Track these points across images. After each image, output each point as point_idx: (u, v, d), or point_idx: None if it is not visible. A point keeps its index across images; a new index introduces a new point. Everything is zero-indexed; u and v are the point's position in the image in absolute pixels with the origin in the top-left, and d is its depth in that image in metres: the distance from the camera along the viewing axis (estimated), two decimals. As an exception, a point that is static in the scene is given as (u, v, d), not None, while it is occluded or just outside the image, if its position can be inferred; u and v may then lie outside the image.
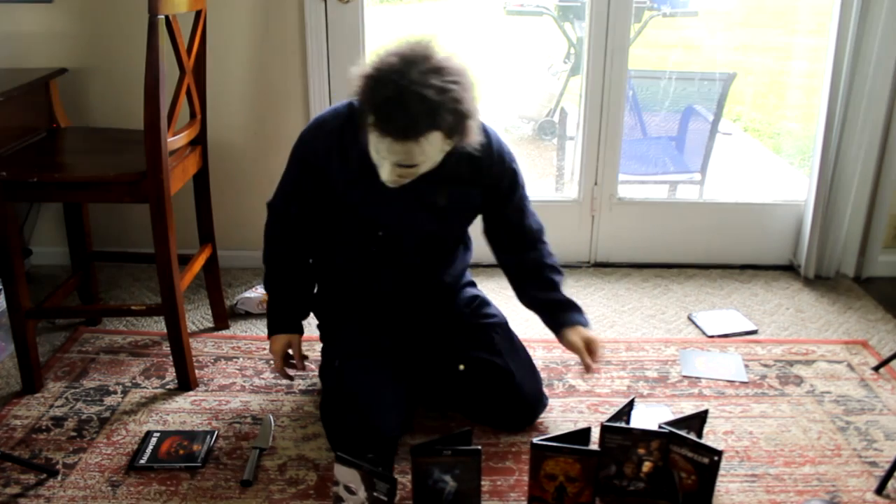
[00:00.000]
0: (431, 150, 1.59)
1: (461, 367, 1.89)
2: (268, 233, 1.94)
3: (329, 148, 1.77)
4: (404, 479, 1.72)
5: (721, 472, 1.72)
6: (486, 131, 1.79)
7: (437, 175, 1.70)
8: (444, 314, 1.95)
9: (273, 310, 1.95)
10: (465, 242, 2.02)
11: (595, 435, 1.73)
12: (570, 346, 1.89)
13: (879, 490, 1.74)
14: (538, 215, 1.98)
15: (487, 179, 1.82)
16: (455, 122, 1.56)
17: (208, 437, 1.89)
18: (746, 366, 2.23)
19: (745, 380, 2.16)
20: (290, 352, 1.95)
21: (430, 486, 1.62)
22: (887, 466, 1.76)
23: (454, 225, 1.91)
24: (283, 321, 1.94)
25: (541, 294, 1.95)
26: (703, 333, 2.42)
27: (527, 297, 1.98)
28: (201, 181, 2.31)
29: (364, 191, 1.78)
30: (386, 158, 1.61)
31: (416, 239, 1.86)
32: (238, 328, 2.44)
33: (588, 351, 1.87)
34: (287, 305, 1.94)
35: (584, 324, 1.91)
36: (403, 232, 1.84)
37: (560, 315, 1.92)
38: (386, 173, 1.64)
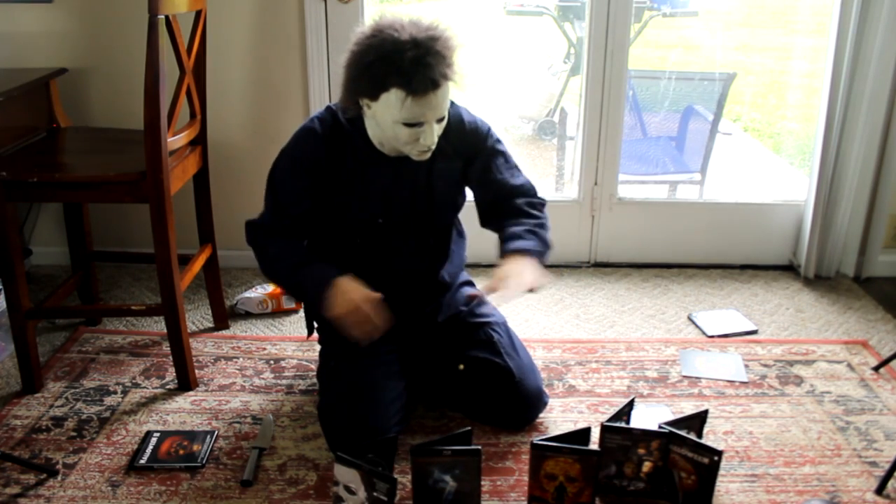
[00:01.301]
0: (448, 93, 1.69)
1: (461, 366, 1.90)
2: (257, 243, 1.89)
3: (319, 153, 1.80)
4: (404, 479, 1.72)
5: (721, 472, 1.72)
6: (451, 102, 1.83)
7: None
8: (443, 314, 1.95)
9: (314, 282, 1.77)
10: (459, 229, 2.03)
11: (595, 435, 1.73)
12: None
13: (879, 490, 1.74)
14: (526, 177, 1.96)
15: (464, 147, 1.87)
16: (456, 56, 1.67)
17: (208, 437, 1.89)
18: (746, 366, 2.23)
19: (745, 380, 2.16)
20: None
21: (430, 486, 1.62)
22: (887, 466, 1.76)
23: (446, 202, 1.91)
24: (331, 276, 1.77)
25: (504, 221, 1.89)
26: (703, 333, 2.42)
27: (491, 224, 1.95)
28: (201, 181, 2.31)
29: (360, 184, 1.81)
30: (426, 120, 1.66)
31: (412, 220, 1.87)
32: (238, 328, 2.44)
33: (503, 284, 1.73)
34: (324, 266, 1.81)
35: (524, 249, 1.79)
36: (401, 217, 1.86)
37: (508, 242, 1.84)
38: (429, 136, 1.68)
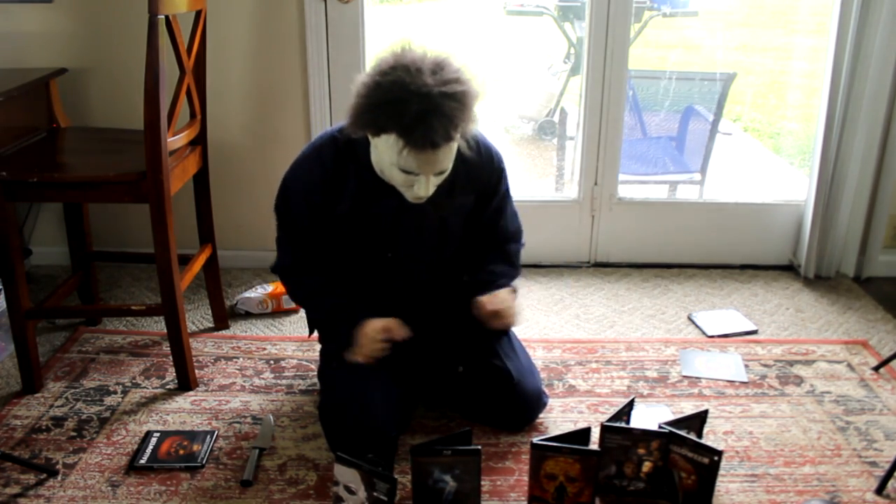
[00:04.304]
0: (453, 149, 1.62)
1: (460, 368, 1.90)
2: (293, 290, 1.91)
3: (324, 182, 1.76)
4: (404, 479, 1.72)
5: (721, 472, 1.72)
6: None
7: (438, 186, 1.70)
8: (444, 317, 1.95)
9: (341, 321, 1.81)
10: None
11: (595, 435, 1.73)
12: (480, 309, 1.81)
13: (879, 490, 1.74)
14: (519, 217, 1.97)
15: (478, 183, 1.83)
16: (468, 116, 1.58)
17: (208, 437, 1.89)
18: (746, 366, 2.23)
19: (745, 380, 2.16)
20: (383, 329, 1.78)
21: (430, 486, 1.62)
22: (887, 466, 1.76)
23: (454, 233, 1.89)
24: (356, 317, 1.80)
25: (476, 269, 1.90)
26: (703, 333, 2.42)
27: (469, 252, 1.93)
28: (201, 181, 2.31)
29: (365, 217, 1.78)
30: (422, 173, 1.60)
31: (423, 254, 1.86)
32: (238, 328, 2.44)
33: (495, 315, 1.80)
34: (352, 307, 1.82)
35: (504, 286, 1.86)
36: (411, 250, 1.84)
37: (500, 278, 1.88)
38: (423, 188, 1.62)
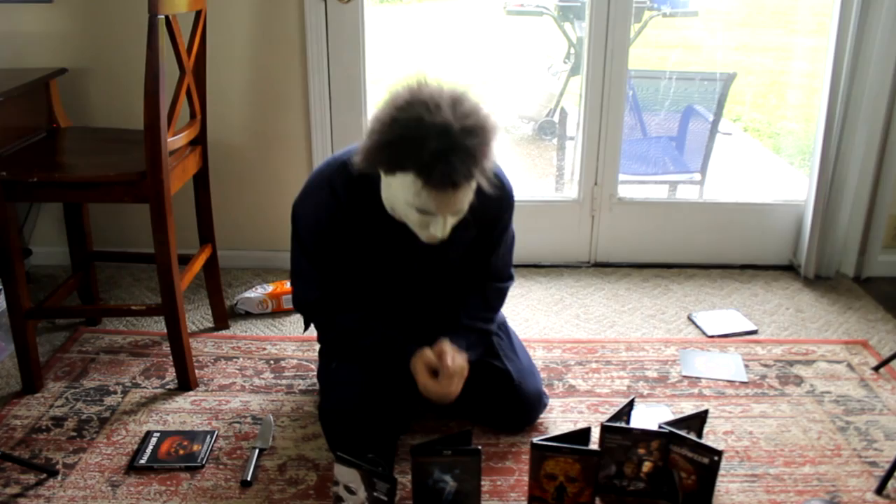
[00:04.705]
0: (473, 188, 1.54)
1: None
2: (325, 329, 1.87)
3: (336, 212, 1.71)
4: (404, 479, 1.72)
5: (721, 472, 1.72)
6: None
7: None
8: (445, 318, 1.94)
9: (383, 350, 1.79)
10: None
11: (595, 435, 1.73)
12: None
13: (879, 490, 1.74)
14: (513, 259, 1.93)
15: (486, 218, 1.77)
16: (489, 153, 1.51)
17: (208, 437, 1.90)
18: (746, 366, 2.23)
19: (745, 380, 2.16)
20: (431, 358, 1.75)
21: (430, 486, 1.62)
22: (887, 466, 1.76)
23: (455, 264, 1.85)
24: (403, 349, 1.77)
25: (467, 302, 1.87)
26: (703, 333, 2.42)
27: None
28: (201, 181, 2.31)
29: (377, 250, 1.75)
30: (440, 213, 1.53)
31: (429, 283, 1.84)
32: (238, 328, 2.44)
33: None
34: (390, 338, 1.79)
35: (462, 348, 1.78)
36: (414, 283, 1.83)
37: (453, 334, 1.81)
38: (439, 229, 1.56)
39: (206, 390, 2.11)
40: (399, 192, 1.55)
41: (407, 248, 1.74)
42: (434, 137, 1.43)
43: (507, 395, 1.88)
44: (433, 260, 1.79)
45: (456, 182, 1.46)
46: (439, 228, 1.56)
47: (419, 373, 1.74)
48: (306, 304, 1.85)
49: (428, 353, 1.74)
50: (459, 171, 1.45)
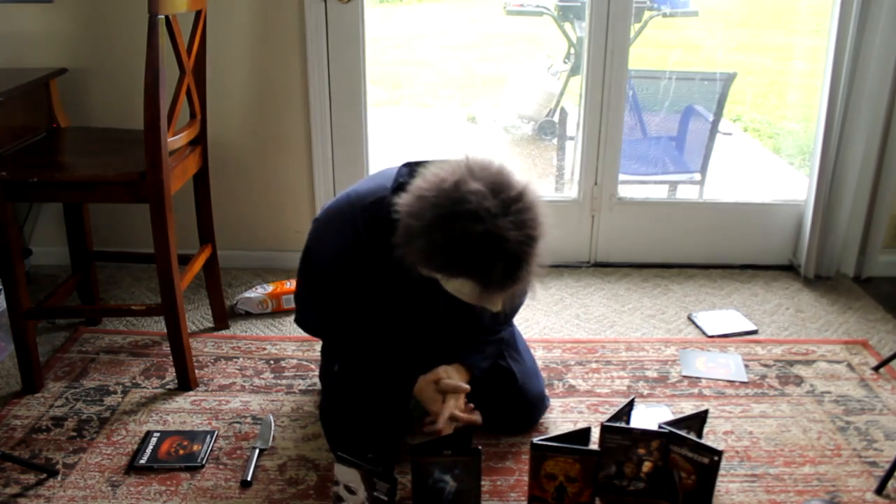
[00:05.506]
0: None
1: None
2: (326, 340, 1.90)
3: (355, 246, 1.68)
4: (404, 479, 1.72)
5: (721, 472, 1.72)
6: None
7: None
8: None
9: (381, 366, 1.79)
10: None
11: (595, 435, 1.73)
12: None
13: (879, 490, 1.74)
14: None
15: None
16: (541, 251, 1.50)
17: (208, 437, 1.90)
18: (746, 366, 2.23)
19: (745, 380, 2.16)
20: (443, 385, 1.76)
21: (430, 486, 1.62)
22: (887, 466, 1.76)
23: (464, 320, 1.83)
24: (408, 368, 1.79)
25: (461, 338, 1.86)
26: (703, 333, 2.42)
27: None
28: (201, 181, 2.31)
29: (396, 292, 1.73)
30: (489, 304, 1.52)
31: (445, 322, 1.83)
32: (238, 328, 2.44)
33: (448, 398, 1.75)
34: (390, 351, 1.79)
35: (472, 365, 1.81)
36: (434, 320, 1.81)
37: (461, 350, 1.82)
38: (494, 307, 1.54)
39: (206, 390, 2.11)
40: (454, 285, 1.52)
41: (428, 295, 1.68)
42: (499, 258, 1.41)
43: (510, 395, 1.88)
44: (453, 306, 1.70)
45: (515, 285, 1.46)
46: (495, 307, 1.55)
47: (432, 402, 1.77)
48: (307, 326, 1.86)
49: (429, 388, 1.77)
50: (521, 279, 1.45)
